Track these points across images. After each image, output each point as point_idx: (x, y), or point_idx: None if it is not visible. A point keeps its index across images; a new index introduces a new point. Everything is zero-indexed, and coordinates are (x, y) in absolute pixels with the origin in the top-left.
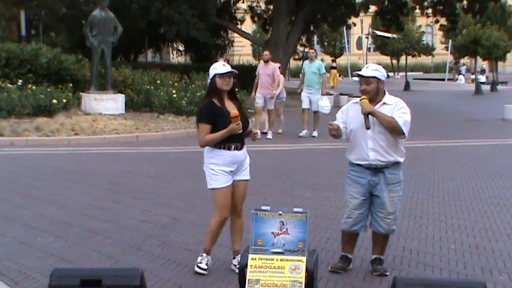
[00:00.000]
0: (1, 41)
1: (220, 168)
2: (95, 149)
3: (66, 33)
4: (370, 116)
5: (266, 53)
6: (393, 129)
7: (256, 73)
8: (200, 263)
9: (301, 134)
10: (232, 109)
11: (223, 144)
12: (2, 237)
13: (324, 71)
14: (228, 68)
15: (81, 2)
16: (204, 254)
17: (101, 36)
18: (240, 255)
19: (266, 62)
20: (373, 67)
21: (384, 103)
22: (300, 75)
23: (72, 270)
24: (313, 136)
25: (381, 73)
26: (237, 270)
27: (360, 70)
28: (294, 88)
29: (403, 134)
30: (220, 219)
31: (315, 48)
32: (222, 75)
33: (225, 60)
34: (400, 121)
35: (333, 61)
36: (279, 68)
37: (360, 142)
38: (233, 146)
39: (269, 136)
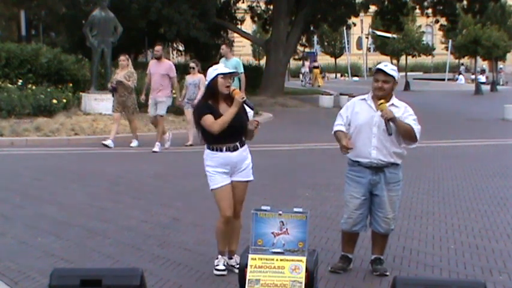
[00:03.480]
0: (1, 41)
1: (214, 170)
2: (95, 149)
3: (66, 33)
4: (380, 118)
5: (158, 48)
6: (408, 136)
7: (147, 72)
8: (217, 265)
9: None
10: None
11: (215, 145)
12: (2, 237)
13: (242, 69)
14: (229, 69)
15: (81, 2)
16: (220, 256)
17: (101, 36)
18: (237, 255)
19: (158, 59)
20: (392, 67)
21: (393, 104)
22: None
23: (72, 270)
24: None
25: (397, 74)
26: (234, 270)
27: (360, 70)
28: (295, 88)
29: (415, 142)
30: (223, 219)
31: (225, 43)
32: (225, 75)
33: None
34: (416, 129)
35: (315, 61)
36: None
37: (363, 139)
38: (225, 148)
39: (155, 149)
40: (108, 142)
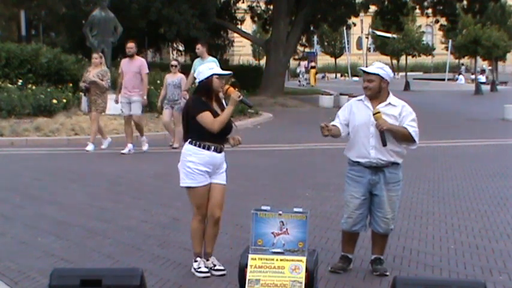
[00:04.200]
0: (1, 41)
1: (197, 167)
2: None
3: (66, 33)
4: (373, 119)
5: (130, 45)
6: (406, 140)
7: (120, 71)
8: (199, 267)
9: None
10: (218, 111)
11: (203, 143)
12: (2, 237)
13: None
14: (226, 71)
15: (81, 2)
16: (198, 259)
17: (101, 36)
18: (213, 258)
19: (131, 56)
20: (378, 65)
21: (390, 103)
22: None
23: (72, 270)
24: None
25: (385, 72)
26: (216, 273)
27: (359, 68)
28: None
29: (415, 143)
30: (198, 217)
31: (200, 43)
32: (221, 76)
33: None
34: (413, 132)
35: (312, 61)
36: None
37: (361, 139)
38: (213, 147)
39: (125, 151)
40: (90, 147)
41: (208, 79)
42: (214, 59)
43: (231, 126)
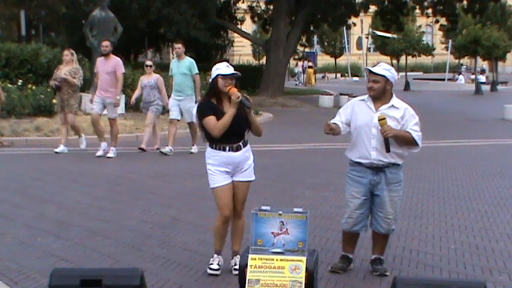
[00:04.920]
0: (1, 41)
1: (216, 168)
2: (95, 149)
3: (66, 33)
4: (377, 120)
5: (105, 43)
6: (409, 144)
7: (95, 71)
8: (211, 264)
9: (163, 150)
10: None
11: (217, 144)
12: (2, 237)
13: (196, 71)
14: (231, 70)
15: (81, 2)
16: (215, 255)
17: (100, 36)
18: (237, 257)
19: (106, 55)
20: (385, 67)
21: (393, 105)
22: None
23: (72, 270)
24: (192, 152)
25: (391, 74)
26: (234, 272)
27: (360, 70)
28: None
29: (417, 147)
30: (221, 218)
31: (181, 42)
32: (224, 76)
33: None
34: (417, 137)
35: (309, 61)
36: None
37: (363, 140)
38: (228, 147)
39: (99, 153)
40: (61, 149)
41: (215, 80)
42: (192, 60)
43: (243, 123)
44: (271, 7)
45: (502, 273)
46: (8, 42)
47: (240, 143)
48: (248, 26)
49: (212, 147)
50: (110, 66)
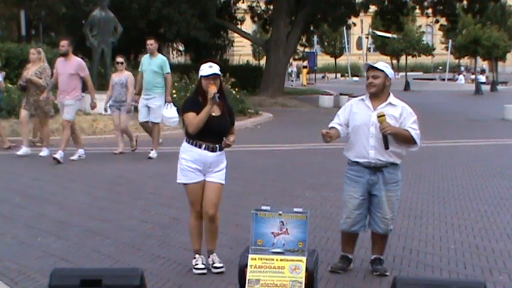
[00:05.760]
0: (1, 41)
1: (188, 164)
2: (95, 149)
3: (66, 33)
4: (376, 120)
5: (63, 42)
6: (407, 142)
7: (54, 71)
8: (196, 264)
9: (151, 155)
10: (216, 111)
11: (194, 140)
12: (2, 237)
13: (168, 70)
14: (212, 70)
15: (81, 2)
16: (197, 255)
17: (100, 36)
18: (215, 254)
19: (65, 55)
20: (384, 64)
21: (390, 103)
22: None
23: (72, 270)
24: (150, 157)
25: (390, 71)
26: (214, 270)
27: (360, 70)
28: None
29: (416, 145)
30: (193, 213)
31: (153, 38)
32: (206, 77)
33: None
34: (415, 135)
35: (303, 61)
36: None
37: (361, 139)
38: (204, 146)
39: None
40: (23, 151)
41: (199, 80)
42: (164, 58)
43: (225, 125)
44: (271, 7)
45: (502, 273)
46: (8, 42)
47: (217, 145)
48: (248, 26)
49: (188, 142)
50: (70, 68)
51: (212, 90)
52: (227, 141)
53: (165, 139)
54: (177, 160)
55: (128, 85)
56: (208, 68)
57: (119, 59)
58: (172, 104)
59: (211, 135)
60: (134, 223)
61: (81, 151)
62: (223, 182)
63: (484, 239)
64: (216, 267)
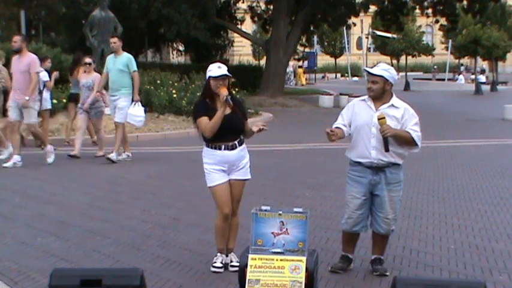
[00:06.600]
0: (1, 41)
1: (212, 167)
2: (95, 149)
3: (66, 33)
4: (376, 119)
5: (15, 38)
6: (408, 144)
7: (11, 71)
8: (215, 262)
9: (120, 158)
10: (227, 110)
11: (213, 143)
12: (2, 237)
13: (134, 68)
14: (222, 71)
15: (81, 2)
16: (218, 254)
17: (100, 36)
18: (233, 254)
19: (19, 52)
20: (383, 67)
21: (392, 105)
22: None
23: (72, 270)
24: (108, 158)
25: (389, 74)
26: (229, 269)
27: (360, 70)
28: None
29: (417, 147)
30: (221, 216)
31: (116, 36)
32: (215, 78)
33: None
34: (416, 137)
35: (298, 60)
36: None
37: (363, 139)
38: (223, 146)
39: (6, 163)
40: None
41: (207, 81)
42: (130, 56)
43: (237, 122)
44: (271, 7)
45: (502, 273)
46: (8, 42)
47: (236, 142)
48: (248, 26)
49: (208, 147)
50: (23, 65)
51: (224, 92)
52: (255, 129)
53: (164, 139)
54: (177, 160)
55: (95, 86)
56: (217, 69)
57: (87, 60)
58: (140, 103)
59: (226, 134)
60: (134, 223)
61: (16, 157)
62: (248, 177)
63: (484, 239)
64: (232, 266)
